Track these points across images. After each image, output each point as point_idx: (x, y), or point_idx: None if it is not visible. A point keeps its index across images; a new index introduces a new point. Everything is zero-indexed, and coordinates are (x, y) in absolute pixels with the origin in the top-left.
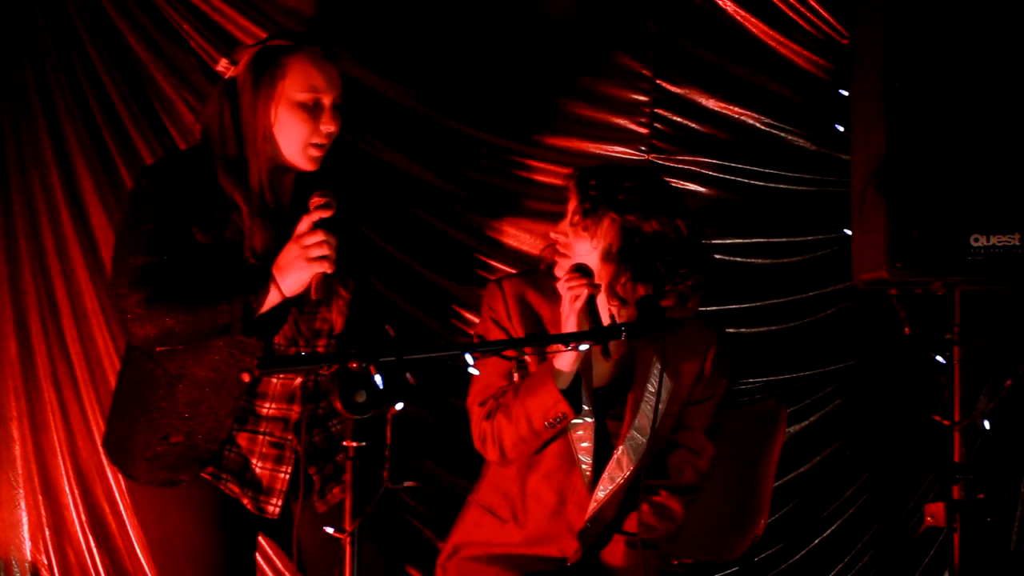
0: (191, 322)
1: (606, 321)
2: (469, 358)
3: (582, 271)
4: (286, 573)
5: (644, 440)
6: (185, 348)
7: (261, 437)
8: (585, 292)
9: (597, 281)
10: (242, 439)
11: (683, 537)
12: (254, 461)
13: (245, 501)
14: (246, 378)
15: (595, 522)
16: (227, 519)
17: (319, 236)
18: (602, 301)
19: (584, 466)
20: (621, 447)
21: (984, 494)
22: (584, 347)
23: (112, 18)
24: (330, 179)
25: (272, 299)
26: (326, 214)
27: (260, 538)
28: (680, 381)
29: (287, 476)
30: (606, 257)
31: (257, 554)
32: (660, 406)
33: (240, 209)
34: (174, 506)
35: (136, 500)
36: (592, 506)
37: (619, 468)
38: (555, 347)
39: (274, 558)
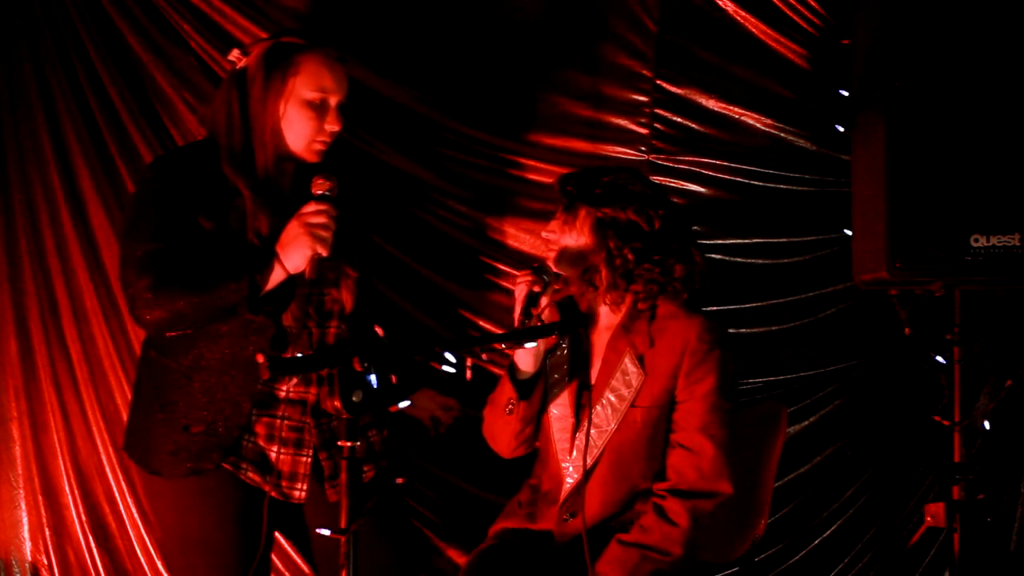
0: (199, 303)
1: (545, 317)
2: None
3: (533, 269)
4: (286, 573)
5: (607, 431)
6: (195, 334)
7: (279, 421)
8: (524, 288)
9: (569, 273)
10: (261, 426)
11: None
12: (274, 447)
13: (268, 488)
14: (260, 359)
15: (574, 514)
16: (246, 516)
17: (320, 207)
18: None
19: (564, 463)
20: (579, 435)
21: (984, 494)
22: (531, 345)
23: (112, 18)
24: (330, 168)
25: (277, 276)
26: (328, 188)
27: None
28: (655, 374)
29: (309, 459)
30: (584, 249)
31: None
32: (627, 396)
33: (243, 195)
34: (194, 502)
35: (156, 496)
36: (562, 494)
37: (580, 456)
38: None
39: (276, 559)
